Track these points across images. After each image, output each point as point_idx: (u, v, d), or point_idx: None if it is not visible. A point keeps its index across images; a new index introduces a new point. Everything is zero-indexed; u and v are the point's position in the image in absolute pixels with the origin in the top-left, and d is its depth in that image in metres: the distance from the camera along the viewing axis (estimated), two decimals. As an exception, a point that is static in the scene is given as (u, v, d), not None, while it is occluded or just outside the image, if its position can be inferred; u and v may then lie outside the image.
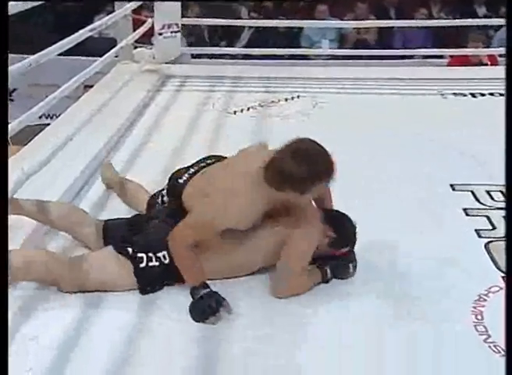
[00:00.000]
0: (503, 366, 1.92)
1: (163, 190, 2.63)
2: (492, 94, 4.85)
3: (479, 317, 2.17)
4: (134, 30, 5.09)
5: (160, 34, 5.08)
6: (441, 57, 6.36)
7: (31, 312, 2.15)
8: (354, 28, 7.06)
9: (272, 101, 4.66)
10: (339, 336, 2.09)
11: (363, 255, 2.46)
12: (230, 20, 6.28)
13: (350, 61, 5.94)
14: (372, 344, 2.05)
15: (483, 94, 4.86)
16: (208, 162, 2.59)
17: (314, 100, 4.66)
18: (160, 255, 2.28)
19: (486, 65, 5.87)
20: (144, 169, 3.35)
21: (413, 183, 3.20)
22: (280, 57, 6.33)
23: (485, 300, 2.27)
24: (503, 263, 2.48)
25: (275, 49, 6.20)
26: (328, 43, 7.24)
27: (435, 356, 1.99)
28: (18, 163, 2.71)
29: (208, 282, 2.22)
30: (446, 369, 1.94)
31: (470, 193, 3.12)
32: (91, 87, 4.68)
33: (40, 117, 4.19)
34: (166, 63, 5.27)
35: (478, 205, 3.02)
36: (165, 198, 2.59)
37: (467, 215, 2.93)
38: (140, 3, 5.21)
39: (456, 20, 6.20)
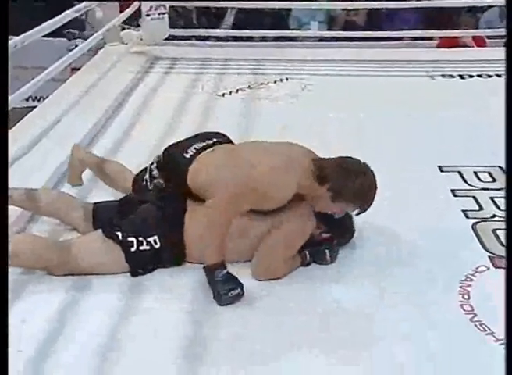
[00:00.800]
0: (488, 344, 1.97)
1: (152, 164, 2.56)
2: (480, 75, 4.86)
3: (466, 297, 2.19)
4: (121, 12, 5.06)
5: (147, 15, 5.04)
6: (430, 39, 6.35)
7: (19, 295, 2.15)
8: (343, 9, 7.03)
9: (261, 84, 4.65)
10: (326, 320, 2.08)
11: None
12: (218, 2, 6.24)
13: (339, 43, 5.92)
14: (360, 327, 2.06)
15: (471, 76, 4.86)
16: (215, 140, 2.53)
17: (303, 82, 4.65)
18: (151, 239, 2.27)
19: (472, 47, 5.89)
20: (131, 150, 3.34)
21: (401, 164, 3.20)
22: (269, 39, 6.29)
23: (471, 280, 2.28)
24: (489, 244, 2.51)
25: (265, 31, 6.17)
26: (318, 25, 7.20)
27: (421, 335, 2.01)
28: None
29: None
30: (432, 347, 1.95)
31: (457, 174, 3.14)
32: (78, 69, 4.65)
33: (27, 100, 4.17)
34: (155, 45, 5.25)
35: (465, 186, 3.03)
36: (155, 172, 2.52)
37: (454, 196, 2.94)
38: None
39: (446, 0, 6.18)
